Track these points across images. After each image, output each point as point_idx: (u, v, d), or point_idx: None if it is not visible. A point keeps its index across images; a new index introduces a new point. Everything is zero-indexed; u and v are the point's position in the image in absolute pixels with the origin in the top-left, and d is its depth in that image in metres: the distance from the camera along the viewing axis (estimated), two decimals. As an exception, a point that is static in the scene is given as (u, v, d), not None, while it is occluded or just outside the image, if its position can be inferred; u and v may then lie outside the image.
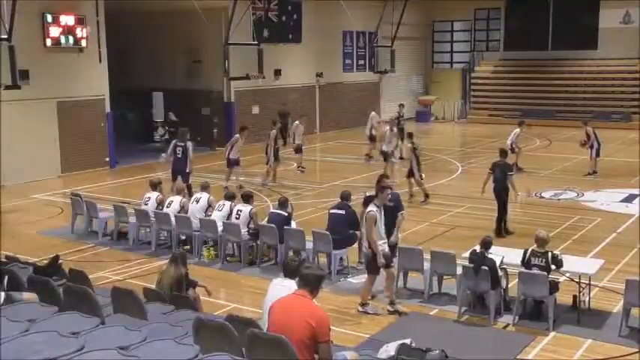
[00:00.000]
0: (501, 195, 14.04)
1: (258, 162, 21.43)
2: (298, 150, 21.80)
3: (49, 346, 4.85)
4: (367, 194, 10.69)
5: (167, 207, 13.63)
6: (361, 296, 10.28)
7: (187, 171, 16.75)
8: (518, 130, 21.23)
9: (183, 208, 13.54)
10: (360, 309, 10.15)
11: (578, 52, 35.53)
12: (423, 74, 40.49)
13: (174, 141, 17.43)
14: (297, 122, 22.28)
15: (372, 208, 9.94)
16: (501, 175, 14.03)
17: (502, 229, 14.02)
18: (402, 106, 27.25)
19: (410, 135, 18.21)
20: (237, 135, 19.54)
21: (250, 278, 11.81)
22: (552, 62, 36.07)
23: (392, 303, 10.16)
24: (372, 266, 10.10)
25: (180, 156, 16.72)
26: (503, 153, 14.76)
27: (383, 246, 10.01)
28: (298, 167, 21.69)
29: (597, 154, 20.30)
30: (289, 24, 29.65)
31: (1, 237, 12.97)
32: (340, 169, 20.34)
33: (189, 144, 16.85)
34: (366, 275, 10.41)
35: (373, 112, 24.94)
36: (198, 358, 4.96)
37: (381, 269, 10.09)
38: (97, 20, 22.41)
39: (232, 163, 19.11)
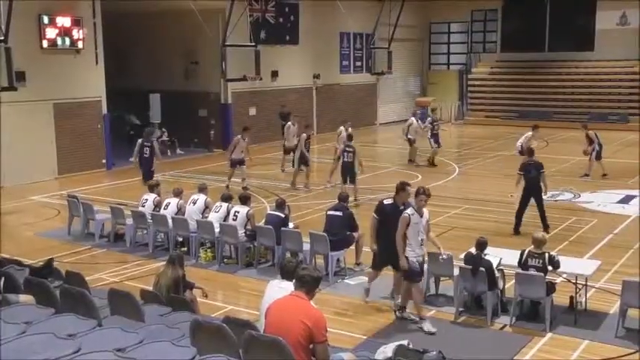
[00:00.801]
0: (537, 193, 14.22)
1: (259, 163, 21.42)
2: (288, 151, 21.60)
3: (46, 347, 4.85)
4: (385, 202, 10.17)
5: (164, 209, 13.62)
6: (417, 310, 9.71)
7: (152, 169, 17.32)
8: (530, 133, 21.26)
9: (180, 210, 13.53)
10: (398, 314, 9.86)
11: (575, 54, 35.60)
12: (420, 75, 40.53)
13: (139, 141, 17.81)
14: (289, 123, 22.18)
15: (408, 211, 9.50)
16: (537, 174, 14.18)
17: (519, 227, 14.27)
18: (434, 111, 25.66)
19: None
20: (239, 136, 19.56)
21: (247, 280, 11.81)
22: (549, 63, 36.12)
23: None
24: (411, 273, 9.60)
25: (147, 155, 17.36)
26: (531, 152, 14.94)
27: (414, 257, 9.52)
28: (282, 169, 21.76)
29: (598, 157, 20.31)
30: (286, 25, 29.67)
31: (0, 238, 12.96)
32: (337, 170, 20.30)
33: (155, 143, 17.43)
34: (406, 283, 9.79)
35: (413, 118, 23.97)
36: (195, 360, 4.97)
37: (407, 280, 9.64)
38: (93, 22, 22.38)
39: (235, 163, 19.14)
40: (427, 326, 9.42)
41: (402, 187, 9.95)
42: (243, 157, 19.18)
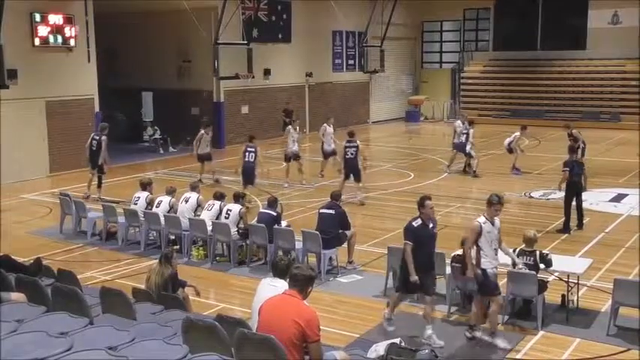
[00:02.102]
0: (579, 189, 14.53)
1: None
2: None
3: (38, 346, 4.83)
4: (414, 224, 9.17)
5: (156, 207, 13.60)
6: (491, 325, 9.11)
7: (99, 163, 17.69)
8: (518, 133, 21.30)
9: (172, 208, 13.51)
10: (468, 334, 9.12)
11: (567, 52, 35.72)
12: (412, 74, 40.57)
13: (92, 134, 18.36)
14: (289, 127, 21.51)
15: (480, 220, 8.94)
16: (580, 171, 14.51)
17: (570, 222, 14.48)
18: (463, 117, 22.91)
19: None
20: (202, 131, 19.89)
21: (240, 278, 11.80)
22: (541, 62, 36.22)
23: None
24: (485, 287, 8.99)
25: (94, 149, 17.77)
26: (573, 150, 15.16)
27: (491, 268, 8.92)
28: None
29: (582, 154, 20.34)
30: (279, 24, 29.65)
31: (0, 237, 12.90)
32: (330, 169, 20.32)
33: (104, 138, 17.73)
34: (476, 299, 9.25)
35: (459, 121, 22.19)
36: (187, 359, 4.96)
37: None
38: (85, 20, 22.30)
39: (202, 158, 19.60)
40: (501, 342, 8.87)
41: (421, 204, 9.22)
42: (209, 151, 19.63)
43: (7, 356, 4.67)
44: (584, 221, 14.57)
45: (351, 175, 17.14)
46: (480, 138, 28.95)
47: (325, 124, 20.79)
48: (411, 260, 8.93)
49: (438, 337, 8.91)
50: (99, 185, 17.79)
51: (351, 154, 17.05)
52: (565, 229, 14.38)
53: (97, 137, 17.93)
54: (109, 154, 18.25)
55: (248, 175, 16.95)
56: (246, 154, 17.05)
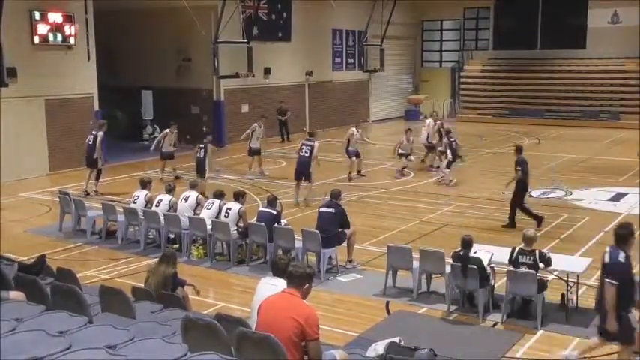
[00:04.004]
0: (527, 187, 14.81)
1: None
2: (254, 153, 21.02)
3: (37, 345, 4.83)
4: (621, 259, 7.51)
5: (156, 205, 13.60)
6: None
7: (94, 157, 17.98)
8: (429, 120, 22.45)
9: (172, 207, 13.51)
10: None
11: (567, 52, 35.70)
12: (412, 73, 40.57)
13: (91, 131, 18.71)
14: (255, 124, 21.35)
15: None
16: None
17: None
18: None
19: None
20: (168, 130, 20.29)
21: (239, 277, 11.80)
22: (541, 61, 36.21)
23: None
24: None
25: (91, 143, 18.14)
26: (520, 150, 15.13)
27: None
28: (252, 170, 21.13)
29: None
30: (279, 22, 29.63)
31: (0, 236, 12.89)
32: (329, 168, 20.33)
33: (100, 134, 18.07)
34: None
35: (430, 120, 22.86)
36: (187, 357, 4.95)
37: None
38: (85, 18, 22.28)
39: (164, 157, 20.01)
40: None
41: (630, 233, 7.68)
42: (172, 151, 19.87)
43: (6, 355, 4.66)
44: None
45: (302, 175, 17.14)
46: (479, 137, 29.01)
47: (353, 129, 20.90)
48: (614, 303, 7.37)
49: (437, 335, 8.90)
50: (97, 178, 18.19)
51: (305, 152, 17.16)
52: (539, 221, 14.48)
53: (94, 133, 18.20)
54: (107, 152, 18.30)
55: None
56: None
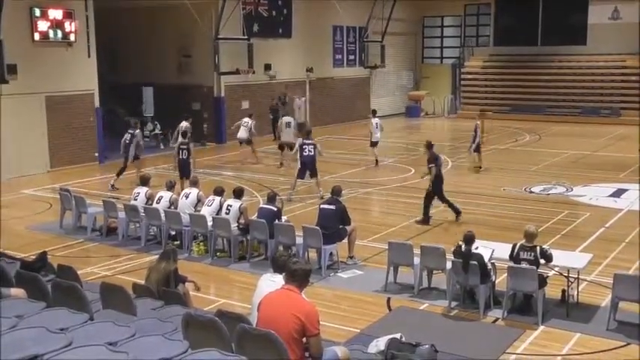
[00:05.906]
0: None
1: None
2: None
3: (37, 341, 4.83)
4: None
5: (157, 202, 13.59)
6: None
7: (135, 154, 18.84)
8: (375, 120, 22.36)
9: (172, 204, 13.50)
10: None
11: (568, 48, 35.62)
12: (413, 69, 40.51)
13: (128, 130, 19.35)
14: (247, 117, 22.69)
15: None
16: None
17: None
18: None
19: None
20: (186, 123, 20.19)
21: (240, 273, 11.80)
22: (542, 58, 36.15)
23: None
24: None
25: (127, 142, 18.84)
26: (431, 146, 15.24)
27: None
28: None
29: (477, 149, 20.44)
30: (279, 19, 29.61)
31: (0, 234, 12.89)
32: (330, 164, 20.33)
33: (138, 132, 19.07)
34: None
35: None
36: (188, 354, 4.95)
37: None
38: (85, 14, 22.26)
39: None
40: None
41: None
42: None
43: (7, 352, 4.66)
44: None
45: (308, 172, 17.32)
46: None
47: (372, 119, 22.29)
48: None
49: (438, 331, 8.90)
50: (118, 174, 18.64)
51: (309, 151, 17.22)
52: (458, 214, 14.75)
53: (131, 132, 18.93)
54: (109, 148, 18.23)
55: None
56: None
